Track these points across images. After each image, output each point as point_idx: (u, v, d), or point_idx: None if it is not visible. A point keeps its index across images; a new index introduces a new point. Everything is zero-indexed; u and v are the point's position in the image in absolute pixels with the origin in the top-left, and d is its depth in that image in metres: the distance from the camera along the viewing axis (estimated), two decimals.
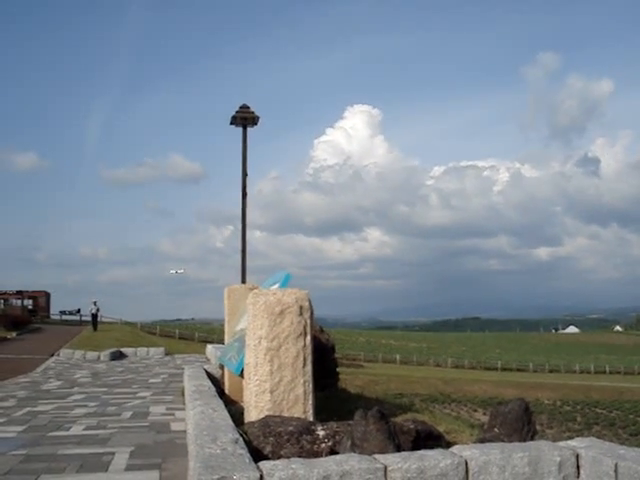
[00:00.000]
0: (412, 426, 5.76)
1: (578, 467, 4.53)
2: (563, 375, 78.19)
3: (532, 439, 5.18)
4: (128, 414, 9.29)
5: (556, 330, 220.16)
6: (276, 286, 7.80)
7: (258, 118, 21.65)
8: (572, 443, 4.79)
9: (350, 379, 25.19)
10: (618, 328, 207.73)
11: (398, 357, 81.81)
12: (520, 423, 5.16)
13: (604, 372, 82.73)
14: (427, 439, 5.71)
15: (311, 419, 6.32)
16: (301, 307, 6.60)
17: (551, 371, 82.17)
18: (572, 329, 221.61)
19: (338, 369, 13.33)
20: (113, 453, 6.29)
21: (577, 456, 4.53)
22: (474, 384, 59.91)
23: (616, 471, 4.25)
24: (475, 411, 50.53)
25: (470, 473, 4.30)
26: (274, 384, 6.43)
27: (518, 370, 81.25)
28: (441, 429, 7.38)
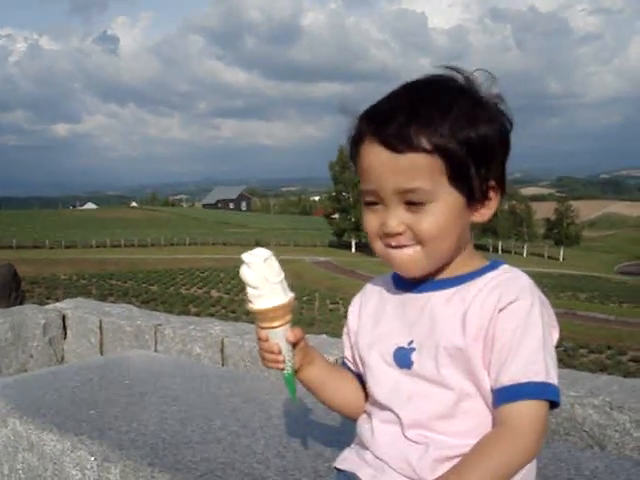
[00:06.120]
0: None
1: (65, 328, 4.55)
2: (80, 250, 79.15)
3: (21, 304, 5.02)
4: None
5: (74, 207, 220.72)
6: None
7: None
8: (60, 305, 4.78)
9: None
10: (134, 204, 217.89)
11: None
12: (8, 290, 4.92)
13: (120, 246, 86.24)
14: None
15: None
16: None
17: (68, 247, 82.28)
18: (90, 205, 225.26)
19: None
20: None
21: (64, 317, 4.54)
22: None
23: (101, 327, 4.39)
24: None
25: None
26: None
27: (35, 247, 79.40)
28: None
